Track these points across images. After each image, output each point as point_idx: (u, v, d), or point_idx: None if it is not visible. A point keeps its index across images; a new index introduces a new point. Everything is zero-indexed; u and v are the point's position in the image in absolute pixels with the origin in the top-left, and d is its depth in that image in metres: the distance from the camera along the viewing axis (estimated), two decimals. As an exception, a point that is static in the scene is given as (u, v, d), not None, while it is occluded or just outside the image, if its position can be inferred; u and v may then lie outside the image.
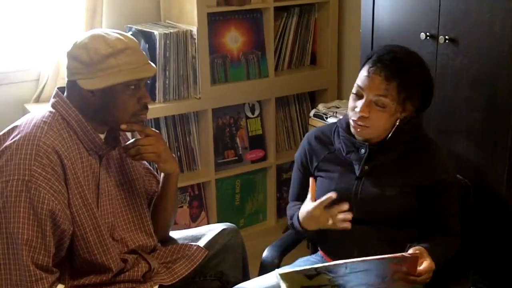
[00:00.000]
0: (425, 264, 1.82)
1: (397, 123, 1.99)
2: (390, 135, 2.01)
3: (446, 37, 2.37)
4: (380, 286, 1.81)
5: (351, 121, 2.01)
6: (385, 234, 2.03)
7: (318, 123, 3.15)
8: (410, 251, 1.87)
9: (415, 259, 1.77)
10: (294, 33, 3.46)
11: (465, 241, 2.21)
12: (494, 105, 2.27)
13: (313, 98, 3.66)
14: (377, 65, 1.93)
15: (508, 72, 2.19)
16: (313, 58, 3.61)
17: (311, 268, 1.71)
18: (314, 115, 3.26)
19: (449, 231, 2.05)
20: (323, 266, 1.71)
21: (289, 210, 2.22)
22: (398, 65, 1.93)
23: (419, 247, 1.89)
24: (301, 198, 2.14)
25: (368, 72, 1.94)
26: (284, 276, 1.73)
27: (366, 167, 2.03)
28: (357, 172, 2.04)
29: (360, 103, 1.96)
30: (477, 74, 2.31)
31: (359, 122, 1.97)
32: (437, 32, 2.41)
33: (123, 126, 1.98)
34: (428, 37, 2.44)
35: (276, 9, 3.30)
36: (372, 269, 1.76)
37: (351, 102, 2.00)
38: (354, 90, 2.00)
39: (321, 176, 2.14)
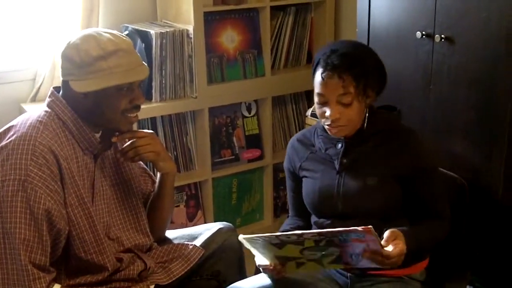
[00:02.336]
0: (395, 247, 1.81)
1: (367, 113, 2.03)
2: (365, 126, 2.03)
3: (442, 36, 2.37)
4: (356, 264, 1.84)
5: (326, 127, 2.04)
6: (374, 227, 2.03)
7: (315, 122, 3.14)
8: (386, 233, 1.85)
9: (369, 234, 1.72)
10: (290, 32, 3.46)
11: (461, 241, 2.22)
12: (491, 104, 2.27)
13: (310, 97, 3.66)
14: (327, 68, 1.95)
15: (505, 71, 2.20)
16: (309, 57, 3.61)
17: (273, 235, 1.75)
18: (311, 115, 3.26)
19: (436, 216, 2.04)
20: (283, 234, 1.74)
21: (283, 226, 2.25)
22: (346, 60, 1.94)
23: (395, 230, 1.87)
24: (300, 209, 2.20)
25: (322, 78, 1.96)
26: (248, 240, 1.81)
27: (345, 161, 2.05)
28: (337, 167, 2.06)
29: (327, 108, 1.98)
30: (474, 73, 2.31)
31: (334, 125, 1.99)
32: (433, 31, 2.42)
33: (114, 139, 1.99)
34: (424, 36, 2.45)
35: (273, 8, 3.30)
36: (336, 243, 1.77)
37: (318, 110, 2.02)
38: (316, 99, 2.02)
39: (305, 176, 2.16)
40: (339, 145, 2.06)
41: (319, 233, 1.73)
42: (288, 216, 2.31)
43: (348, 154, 2.05)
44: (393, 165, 2.02)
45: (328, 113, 1.98)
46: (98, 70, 1.83)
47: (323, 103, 2.00)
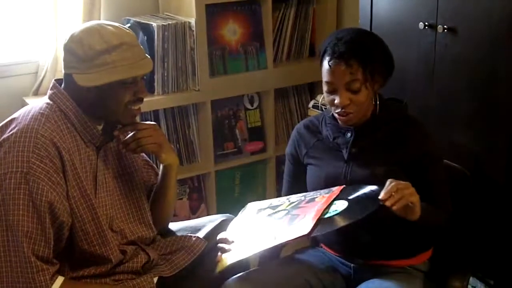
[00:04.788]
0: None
1: (377, 100, 2.05)
2: (377, 112, 2.05)
3: (445, 26, 2.36)
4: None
5: (335, 115, 2.04)
6: (378, 216, 2.02)
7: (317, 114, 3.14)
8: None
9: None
10: (292, 24, 3.46)
11: (464, 231, 2.22)
12: (493, 94, 2.26)
13: (312, 89, 3.66)
14: (334, 55, 1.97)
15: (507, 62, 2.19)
16: (311, 49, 3.60)
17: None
18: (313, 106, 3.26)
19: (437, 206, 2.02)
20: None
21: None
22: (352, 47, 1.96)
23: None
24: (294, 193, 2.17)
25: (330, 66, 1.98)
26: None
27: (354, 150, 2.05)
28: (345, 156, 2.06)
29: (336, 96, 1.99)
30: (476, 63, 2.30)
31: (343, 113, 2.00)
32: (435, 22, 2.41)
33: (116, 133, 1.99)
34: (426, 27, 2.44)
35: (274, 0, 3.29)
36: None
37: (328, 98, 2.03)
38: (325, 88, 2.02)
39: (310, 164, 2.16)
40: (349, 134, 2.06)
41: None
42: None
43: (357, 143, 2.05)
44: (399, 154, 2.02)
45: (337, 100, 1.98)
46: (102, 64, 1.82)
47: (331, 91, 2.00)
